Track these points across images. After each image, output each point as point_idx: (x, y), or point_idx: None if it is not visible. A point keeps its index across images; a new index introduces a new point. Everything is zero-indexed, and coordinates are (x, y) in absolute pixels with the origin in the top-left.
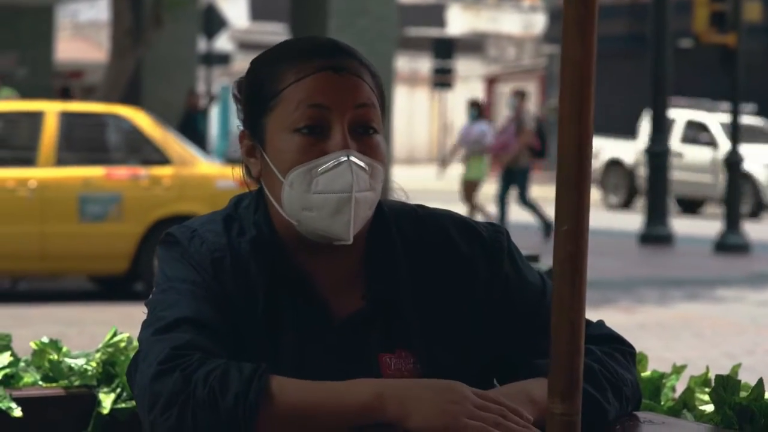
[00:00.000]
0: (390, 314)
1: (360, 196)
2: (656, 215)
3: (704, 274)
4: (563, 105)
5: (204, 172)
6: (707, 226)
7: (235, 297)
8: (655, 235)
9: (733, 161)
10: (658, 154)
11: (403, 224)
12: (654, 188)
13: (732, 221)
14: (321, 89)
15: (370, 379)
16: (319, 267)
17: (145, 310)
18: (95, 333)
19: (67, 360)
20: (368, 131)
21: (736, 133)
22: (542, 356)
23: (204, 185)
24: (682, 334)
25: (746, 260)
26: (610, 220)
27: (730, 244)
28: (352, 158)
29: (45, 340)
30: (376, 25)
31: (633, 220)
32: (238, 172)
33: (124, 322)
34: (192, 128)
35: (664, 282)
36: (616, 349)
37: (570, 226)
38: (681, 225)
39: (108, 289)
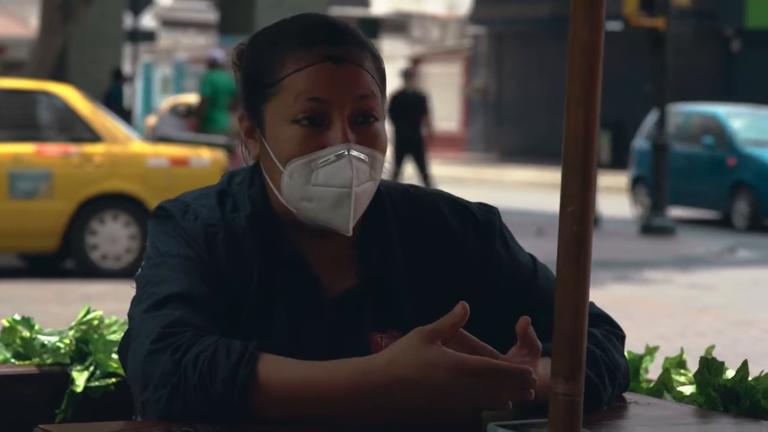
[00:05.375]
0: (383, 293)
1: (359, 189)
2: None
3: (632, 256)
4: (571, 88)
5: (135, 150)
6: (631, 208)
7: (228, 272)
8: None
9: (658, 143)
10: None
11: (398, 203)
12: None
13: (658, 203)
14: (320, 82)
15: (357, 359)
16: (313, 245)
17: (134, 284)
18: (28, 311)
19: (40, 337)
20: (369, 120)
21: (663, 115)
22: (537, 332)
23: (135, 163)
24: (613, 316)
25: (672, 242)
26: (537, 201)
27: (656, 226)
28: (353, 152)
29: (17, 317)
30: (306, 4)
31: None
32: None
33: (56, 300)
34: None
35: (593, 263)
36: (612, 333)
37: (576, 207)
38: (605, 206)
39: (37, 266)
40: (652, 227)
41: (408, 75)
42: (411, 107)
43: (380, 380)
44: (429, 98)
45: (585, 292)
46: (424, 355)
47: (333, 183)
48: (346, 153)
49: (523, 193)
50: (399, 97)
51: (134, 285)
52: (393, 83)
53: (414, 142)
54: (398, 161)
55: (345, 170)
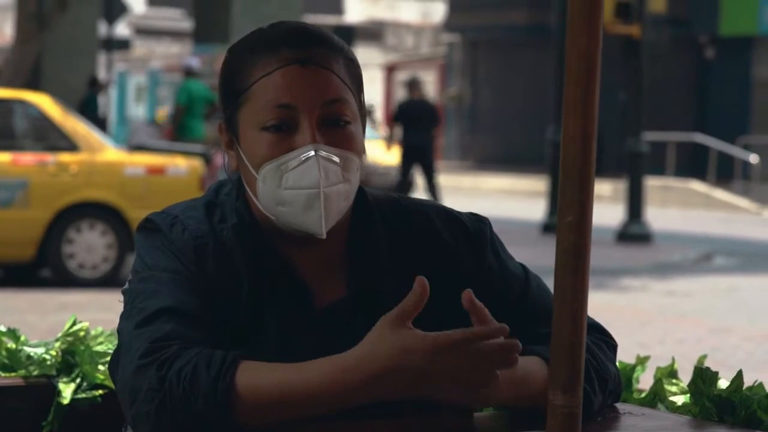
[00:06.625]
0: (373, 304)
1: (330, 190)
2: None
3: (608, 263)
4: (568, 95)
5: (112, 158)
6: (607, 216)
7: (218, 284)
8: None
9: (635, 151)
10: (558, 144)
11: (387, 213)
12: (557, 178)
13: (635, 211)
14: (287, 87)
15: (333, 356)
16: (301, 255)
17: (121, 298)
18: (4, 320)
19: (26, 349)
20: (339, 123)
21: (639, 122)
22: (531, 344)
23: (112, 172)
24: None
25: (649, 250)
26: (513, 209)
27: (632, 233)
28: (321, 152)
29: (2, 328)
30: (280, 12)
31: (537, 210)
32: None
33: (32, 309)
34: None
35: None
36: (601, 340)
37: (574, 217)
38: None
39: (13, 275)
40: (628, 235)
41: (414, 84)
42: (420, 116)
43: (357, 378)
44: (438, 108)
45: (584, 303)
46: (398, 342)
47: (302, 185)
48: (313, 153)
49: (498, 200)
50: (406, 105)
51: (121, 299)
52: (375, 91)
53: (422, 150)
54: (406, 170)
55: (312, 171)
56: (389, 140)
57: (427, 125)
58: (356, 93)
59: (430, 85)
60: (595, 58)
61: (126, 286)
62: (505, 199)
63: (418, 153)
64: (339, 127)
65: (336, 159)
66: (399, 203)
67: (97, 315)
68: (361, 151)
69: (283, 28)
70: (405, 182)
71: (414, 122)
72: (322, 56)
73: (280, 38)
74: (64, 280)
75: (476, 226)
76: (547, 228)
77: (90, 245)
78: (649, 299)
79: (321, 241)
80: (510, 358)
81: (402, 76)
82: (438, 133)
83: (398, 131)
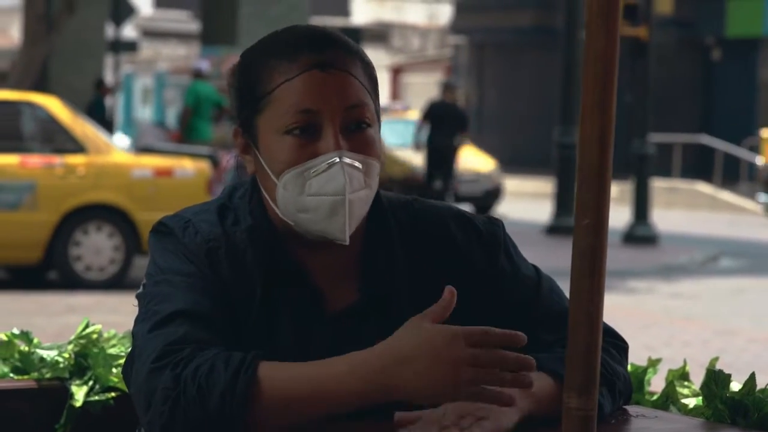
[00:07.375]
0: (385, 308)
1: (354, 196)
2: (564, 206)
3: (614, 265)
4: (586, 97)
5: (119, 160)
6: (614, 217)
7: (231, 287)
8: (564, 226)
9: (641, 153)
10: (566, 146)
11: (401, 216)
12: (563, 180)
13: (641, 212)
14: (309, 92)
15: (357, 358)
16: (315, 259)
17: (136, 302)
18: (11, 323)
19: (39, 351)
20: (361, 126)
21: (645, 124)
22: (538, 349)
23: (119, 174)
24: None
25: (655, 251)
26: (519, 210)
27: (639, 235)
28: (345, 159)
29: (15, 331)
30: (288, 14)
31: (543, 211)
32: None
33: (39, 311)
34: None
35: None
36: (610, 343)
37: (591, 219)
38: None
39: (21, 278)
40: (635, 236)
41: (448, 87)
42: (447, 118)
43: (380, 363)
44: (468, 115)
45: (600, 305)
46: (424, 329)
47: (326, 191)
48: (338, 160)
49: (504, 202)
50: (436, 106)
51: (136, 303)
52: (381, 93)
53: (444, 152)
54: (429, 168)
55: (337, 177)
56: (416, 141)
57: (452, 128)
58: (374, 96)
59: (436, 87)
60: (612, 60)
61: (140, 290)
62: (511, 201)
63: (440, 154)
64: (360, 131)
65: (359, 165)
66: (413, 206)
67: (105, 317)
68: (379, 156)
69: (299, 31)
70: (430, 182)
71: (439, 123)
72: (341, 60)
73: (298, 42)
74: (71, 282)
75: (489, 229)
76: (553, 230)
77: (97, 247)
78: (655, 301)
79: (335, 246)
80: (525, 379)
81: (408, 78)
82: (463, 140)
83: (425, 131)
